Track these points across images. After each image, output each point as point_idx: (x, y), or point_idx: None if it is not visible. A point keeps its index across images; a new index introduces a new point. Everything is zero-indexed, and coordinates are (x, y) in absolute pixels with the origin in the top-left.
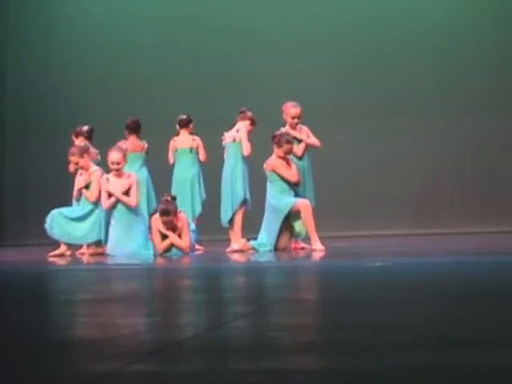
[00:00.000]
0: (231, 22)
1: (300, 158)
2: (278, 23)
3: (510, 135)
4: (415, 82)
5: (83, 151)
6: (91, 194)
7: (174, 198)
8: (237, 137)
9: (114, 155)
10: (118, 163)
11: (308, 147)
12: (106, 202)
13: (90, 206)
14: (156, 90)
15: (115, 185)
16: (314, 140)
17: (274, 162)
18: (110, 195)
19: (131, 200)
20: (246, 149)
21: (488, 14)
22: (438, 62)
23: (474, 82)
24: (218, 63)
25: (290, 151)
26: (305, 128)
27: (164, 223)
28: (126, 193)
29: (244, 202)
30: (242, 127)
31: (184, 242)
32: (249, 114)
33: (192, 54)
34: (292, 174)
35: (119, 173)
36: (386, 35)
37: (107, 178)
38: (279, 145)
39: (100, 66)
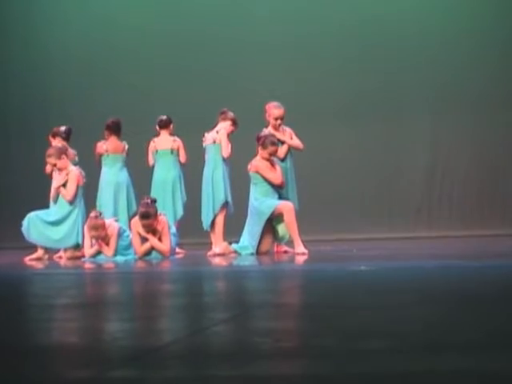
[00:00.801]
0: (216, 22)
1: (283, 160)
2: (265, 22)
3: (499, 138)
4: (406, 85)
5: (61, 152)
6: (67, 193)
7: (154, 201)
8: (217, 138)
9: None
10: (99, 236)
11: (291, 149)
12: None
13: (67, 208)
14: (136, 90)
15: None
16: (297, 142)
17: (258, 163)
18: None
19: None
20: (226, 151)
21: (486, 18)
22: (432, 65)
23: (468, 85)
24: (201, 63)
25: (274, 153)
26: (288, 129)
27: (144, 226)
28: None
29: (225, 205)
30: (221, 128)
31: (164, 245)
32: (230, 114)
33: (174, 54)
34: (276, 176)
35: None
36: (377, 38)
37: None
38: (264, 146)
39: (78, 66)
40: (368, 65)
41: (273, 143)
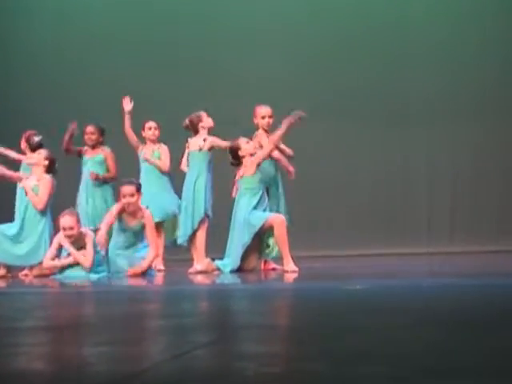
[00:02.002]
0: (203, 21)
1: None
2: (255, 20)
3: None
4: (407, 92)
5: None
6: (40, 200)
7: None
8: (204, 146)
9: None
10: (71, 228)
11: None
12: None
13: (34, 219)
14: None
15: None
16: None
17: (247, 163)
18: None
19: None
20: (220, 143)
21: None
22: (436, 70)
23: (475, 91)
24: (191, 62)
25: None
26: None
27: (124, 195)
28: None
29: (206, 218)
30: (207, 137)
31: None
32: (192, 120)
33: (158, 56)
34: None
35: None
36: (377, 41)
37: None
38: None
39: (54, 69)
40: (369, 70)
41: (233, 156)
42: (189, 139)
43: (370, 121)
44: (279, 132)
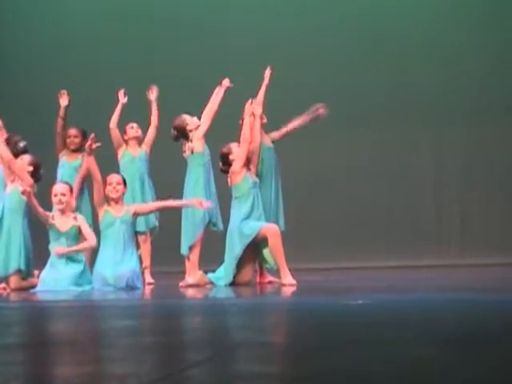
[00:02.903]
0: (198, 14)
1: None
2: (255, 19)
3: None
4: (411, 94)
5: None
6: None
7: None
8: (194, 147)
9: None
10: (63, 194)
11: (276, 160)
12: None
13: (6, 223)
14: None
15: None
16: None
17: (234, 167)
18: None
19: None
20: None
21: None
22: (442, 70)
23: (487, 92)
24: (184, 58)
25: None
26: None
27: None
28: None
29: (207, 227)
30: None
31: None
32: (178, 124)
33: (156, 56)
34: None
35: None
36: (380, 40)
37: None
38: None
39: (38, 69)
40: (373, 71)
41: (223, 162)
42: (186, 143)
43: (371, 124)
44: (259, 97)
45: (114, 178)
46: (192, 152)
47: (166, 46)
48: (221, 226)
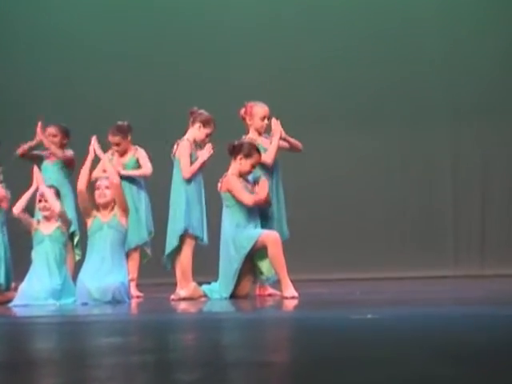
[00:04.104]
0: (190, 13)
1: (272, 171)
2: (253, 16)
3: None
4: (426, 89)
5: None
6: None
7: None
8: (177, 150)
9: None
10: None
11: (278, 161)
12: None
13: None
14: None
15: None
16: (292, 140)
17: (230, 179)
18: None
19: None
20: (185, 169)
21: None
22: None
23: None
24: (175, 57)
25: (258, 162)
26: (275, 121)
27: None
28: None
29: (191, 236)
30: (183, 139)
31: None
32: (200, 114)
33: (140, 52)
34: (248, 196)
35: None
36: (387, 34)
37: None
38: (247, 154)
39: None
40: (378, 66)
41: (257, 149)
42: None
43: (383, 126)
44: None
45: (102, 182)
46: (174, 155)
47: (165, 37)
48: (205, 239)
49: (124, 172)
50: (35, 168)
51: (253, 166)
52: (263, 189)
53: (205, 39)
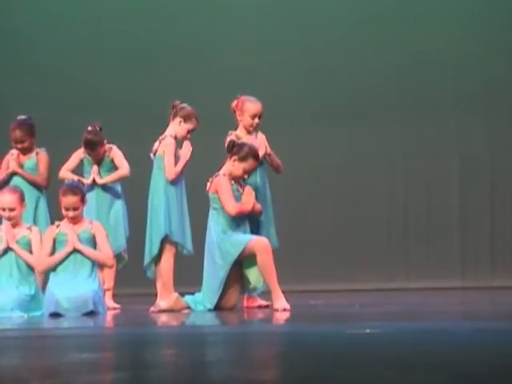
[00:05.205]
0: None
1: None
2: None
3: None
4: (429, 82)
5: None
6: None
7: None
8: (159, 148)
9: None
10: (12, 209)
11: (264, 163)
12: None
13: None
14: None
15: None
16: (276, 159)
17: (220, 180)
18: None
19: None
20: (169, 169)
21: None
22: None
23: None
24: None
25: (253, 170)
26: (261, 135)
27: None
28: None
29: (172, 242)
30: (166, 135)
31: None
32: (182, 108)
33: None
34: (233, 204)
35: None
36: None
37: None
38: (242, 157)
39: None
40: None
41: (255, 156)
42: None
43: (385, 123)
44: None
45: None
46: (155, 153)
47: (150, 26)
48: (190, 247)
49: (101, 181)
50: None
51: (245, 172)
52: (248, 198)
53: (192, 30)
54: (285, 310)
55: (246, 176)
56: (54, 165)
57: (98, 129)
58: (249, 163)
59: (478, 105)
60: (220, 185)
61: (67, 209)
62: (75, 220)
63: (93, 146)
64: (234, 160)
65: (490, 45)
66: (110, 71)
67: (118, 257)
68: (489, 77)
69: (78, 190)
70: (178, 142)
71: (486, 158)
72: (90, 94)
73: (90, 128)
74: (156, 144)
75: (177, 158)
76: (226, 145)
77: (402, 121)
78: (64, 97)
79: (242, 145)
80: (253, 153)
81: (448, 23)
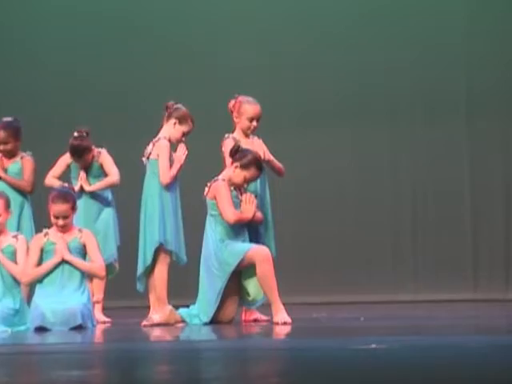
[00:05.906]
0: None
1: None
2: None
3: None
4: (437, 81)
5: None
6: None
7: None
8: (153, 151)
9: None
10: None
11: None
12: None
13: None
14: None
15: None
16: (277, 162)
17: (220, 185)
18: None
19: None
20: (164, 173)
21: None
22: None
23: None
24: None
25: (254, 179)
26: (257, 140)
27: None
28: None
29: (166, 251)
30: (160, 138)
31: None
32: (177, 109)
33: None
34: (232, 212)
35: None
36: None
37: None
38: (245, 166)
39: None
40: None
41: (259, 165)
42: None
43: (393, 123)
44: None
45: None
46: (148, 157)
47: (145, 22)
48: (183, 257)
49: (89, 188)
50: None
51: (246, 181)
52: (249, 206)
53: (190, 27)
54: (285, 323)
55: (245, 185)
56: (40, 169)
57: (84, 134)
58: (250, 172)
59: (490, 104)
60: (219, 190)
61: (57, 217)
62: (65, 229)
63: (79, 153)
64: (236, 166)
65: (502, 43)
66: (98, 70)
67: (108, 267)
68: (501, 75)
69: (70, 197)
70: (173, 146)
71: (500, 160)
72: (78, 94)
73: (76, 134)
74: (149, 147)
75: (171, 162)
76: (230, 148)
77: (410, 120)
78: (51, 97)
79: (247, 152)
80: (256, 162)
81: (459, 20)
